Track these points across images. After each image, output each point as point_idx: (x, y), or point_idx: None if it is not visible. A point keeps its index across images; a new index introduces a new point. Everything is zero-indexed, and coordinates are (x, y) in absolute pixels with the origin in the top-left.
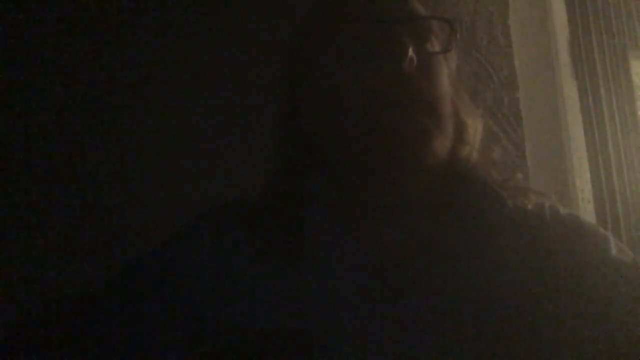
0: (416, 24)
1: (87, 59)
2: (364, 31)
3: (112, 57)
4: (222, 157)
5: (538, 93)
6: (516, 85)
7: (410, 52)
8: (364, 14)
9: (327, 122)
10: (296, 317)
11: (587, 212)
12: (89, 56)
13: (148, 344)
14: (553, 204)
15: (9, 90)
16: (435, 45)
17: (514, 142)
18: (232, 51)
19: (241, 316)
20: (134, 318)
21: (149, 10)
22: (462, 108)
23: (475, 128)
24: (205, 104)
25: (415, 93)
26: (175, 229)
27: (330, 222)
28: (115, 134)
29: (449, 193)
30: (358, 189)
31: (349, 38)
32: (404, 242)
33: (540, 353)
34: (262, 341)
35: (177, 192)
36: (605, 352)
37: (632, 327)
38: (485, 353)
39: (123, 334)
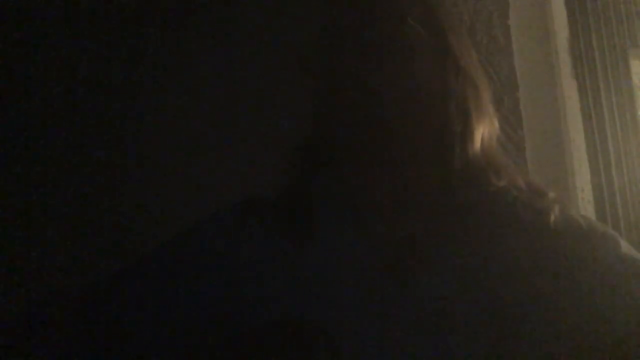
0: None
1: (88, 59)
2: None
3: (113, 57)
4: (230, 157)
5: (538, 93)
6: (516, 85)
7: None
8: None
9: (326, 120)
10: (302, 306)
11: (587, 212)
12: (90, 56)
13: (160, 335)
14: (562, 206)
15: (9, 89)
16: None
17: (514, 142)
18: (235, 50)
19: (250, 306)
20: (145, 312)
21: (150, 10)
22: (453, 103)
23: (470, 126)
24: (214, 104)
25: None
26: (191, 224)
27: (337, 217)
28: (123, 134)
29: (452, 190)
30: (359, 185)
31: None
32: (408, 235)
33: (542, 346)
34: (269, 329)
35: (187, 190)
36: (616, 347)
37: None
38: (487, 345)
39: (134, 325)
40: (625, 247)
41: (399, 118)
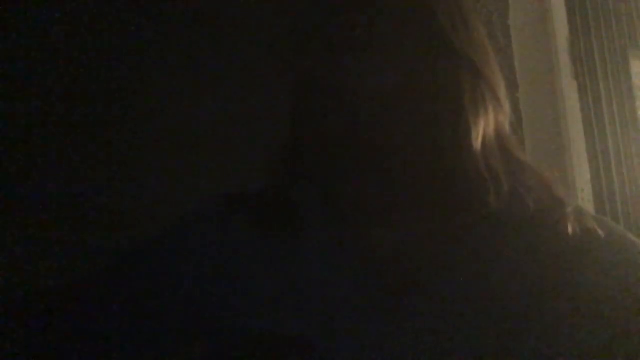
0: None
1: (88, 58)
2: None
3: (112, 56)
4: (219, 155)
5: (538, 93)
6: (516, 85)
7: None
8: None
9: (301, 122)
10: (293, 319)
11: None
12: (90, 55)
13: (145, 336)
14: (577, 208)
15: (9, 89)
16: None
17: None
18: (231, 50)
19: (238, 316)
20: (131, 309)
21: (149, 9)
22: (445, 98)
23: (463, 123)
24: (204, 103)
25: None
26: (174, 222)
27: (325, 225)
28: (117, 132)
29: (447, 197)
30: (347, 192)
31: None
32: (402, 244)
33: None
34: (259, 343)
35: (173, 189)
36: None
37: None
38: (485, 356)
39: (120, 326)
40: None
41: (376, 118)
